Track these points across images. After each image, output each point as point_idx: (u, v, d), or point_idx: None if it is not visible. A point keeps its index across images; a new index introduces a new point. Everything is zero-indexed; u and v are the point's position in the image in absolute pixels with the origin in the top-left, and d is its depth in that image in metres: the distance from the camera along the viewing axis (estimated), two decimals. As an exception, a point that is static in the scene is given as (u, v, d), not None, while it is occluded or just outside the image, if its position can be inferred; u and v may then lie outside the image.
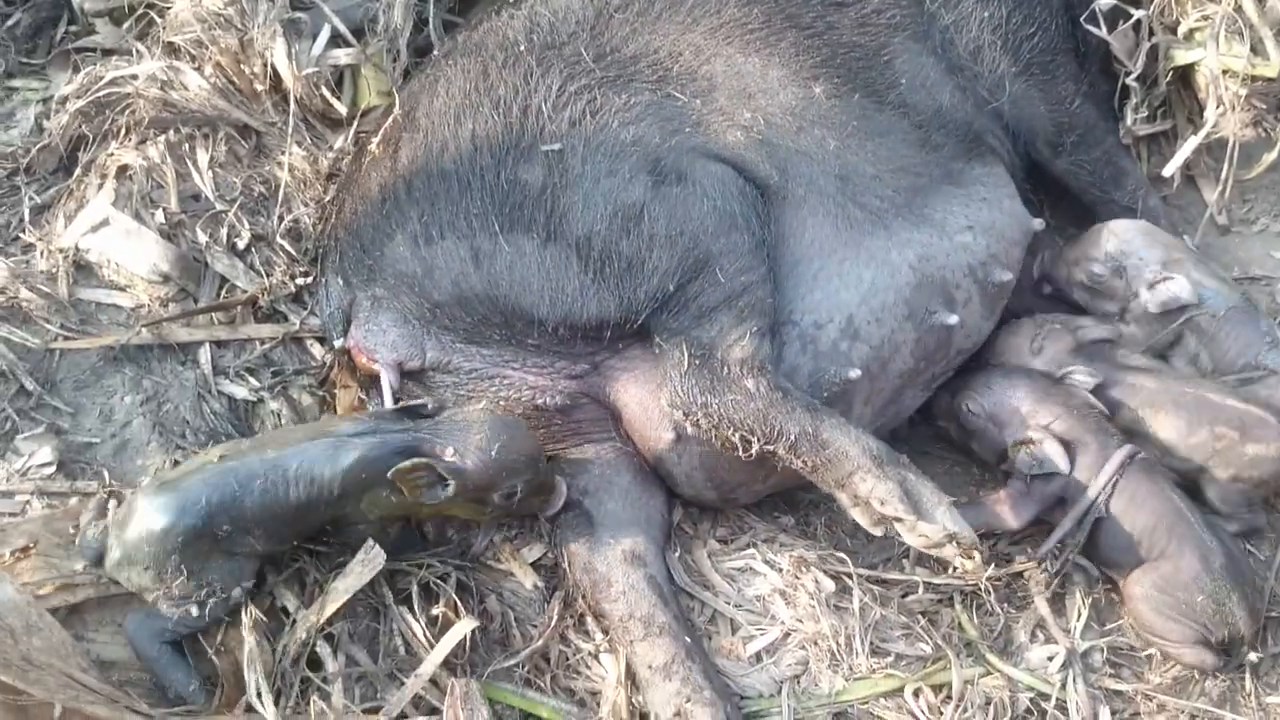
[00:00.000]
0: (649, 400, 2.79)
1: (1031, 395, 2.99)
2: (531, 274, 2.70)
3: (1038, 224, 3.21)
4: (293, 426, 2.83)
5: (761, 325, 2.71)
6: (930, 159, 3.06)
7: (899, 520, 2.59)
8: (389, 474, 2.47)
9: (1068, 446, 2.90)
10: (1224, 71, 3.41)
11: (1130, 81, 3.50)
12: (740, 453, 2.68)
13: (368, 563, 2.52)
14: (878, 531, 2.66)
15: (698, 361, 2.68)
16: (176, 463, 2.70)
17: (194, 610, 2.41)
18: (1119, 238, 3.25)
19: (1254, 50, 3.40)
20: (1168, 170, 3.45)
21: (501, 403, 2.78)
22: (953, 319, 2.97)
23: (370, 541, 2.53)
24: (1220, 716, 2.75)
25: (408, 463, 2.47)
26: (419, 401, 2.68)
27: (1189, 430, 2.97)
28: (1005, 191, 3.19)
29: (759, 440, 2.66)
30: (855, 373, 2.85)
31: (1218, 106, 3.42)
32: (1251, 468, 2.95)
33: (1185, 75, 3.55)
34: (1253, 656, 2.81)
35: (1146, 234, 3.27)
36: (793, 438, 2.65)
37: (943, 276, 2.98)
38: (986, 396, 3.03)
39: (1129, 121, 3.51)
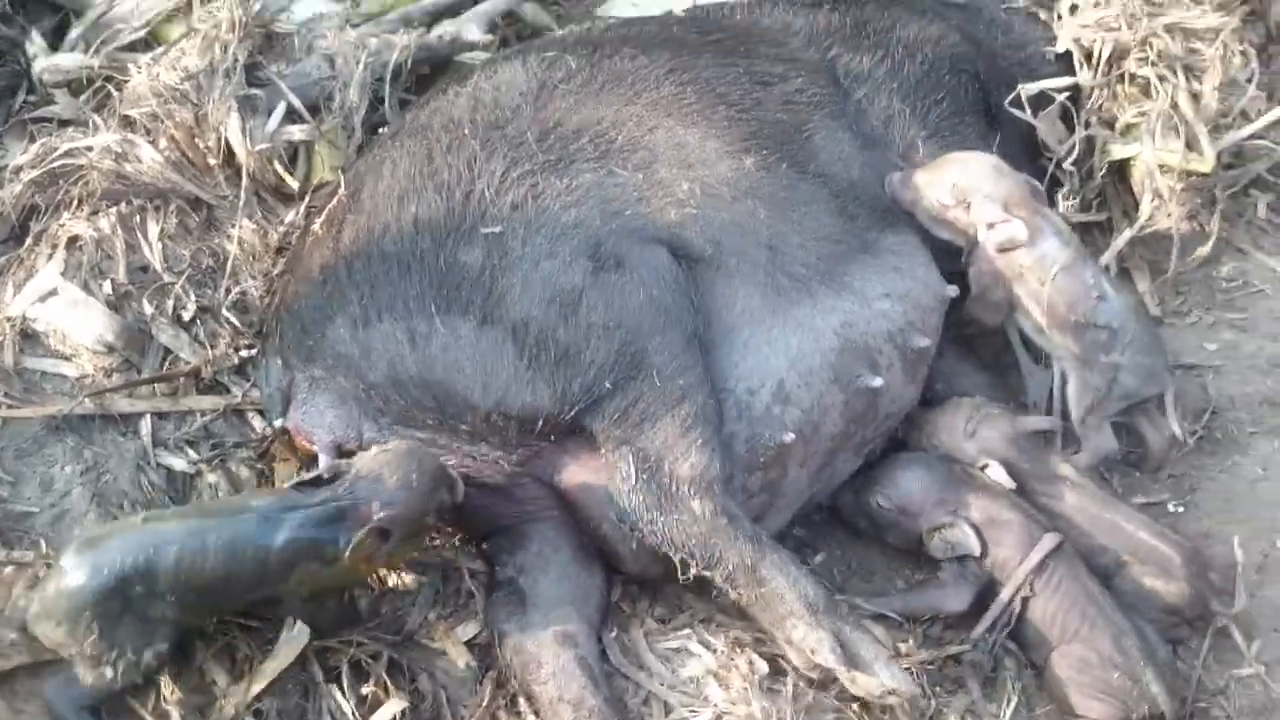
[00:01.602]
0: (593, 481, 2.80)
1: (936, 483, 3.03)
2: (465, 357, 2.71)
3: (951, 291, 3.26)
4: (219, 499, 2.84)
5: (707, 435, 2.73)
6: (848, 228, 3.15)
7: (832, 670, 2.63)
8: (346, 554, 2.49)
9: (986, 528, 2.94)
10: (1160, 166, 3.52)
11: (1068, 166, 3.58)
12: (679, 574, 2.71)
13: (291, 641, 2.51)
14: (813, 674, 2.69)
15: (645, 476, 2.70)
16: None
17: (107, 673, 2.40)
18: (966, 170, 3.22)
19: (1189, 146, 3.52)
20: (1103, 260, 3.52)
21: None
22: (877, 382, 3.02)
23: (291, 620, 2.52)
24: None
25: (355, 537, 2.48)
26: (314, 474, 2.64)
27: (1099, 551, 3.01)
28: (918, 260, 3.25)
29: (697, 564, 2.69)
30: (789, 436, 2.89)
31: (1153, 200, 3.52)
32: (1152, 597, 2.98)
33: (1121, 169, 3.65)
34: (1182, 742, 2.85)
35: (995, 171, 3.23)
36: (730, 568, 2.68)
37: (865, 342, 3.05)
38: (892, 489, 3.06)
39: (1060, 208, 3.58)
